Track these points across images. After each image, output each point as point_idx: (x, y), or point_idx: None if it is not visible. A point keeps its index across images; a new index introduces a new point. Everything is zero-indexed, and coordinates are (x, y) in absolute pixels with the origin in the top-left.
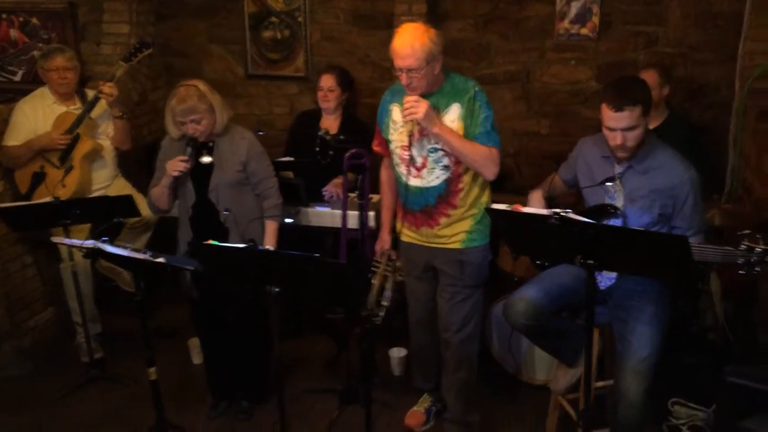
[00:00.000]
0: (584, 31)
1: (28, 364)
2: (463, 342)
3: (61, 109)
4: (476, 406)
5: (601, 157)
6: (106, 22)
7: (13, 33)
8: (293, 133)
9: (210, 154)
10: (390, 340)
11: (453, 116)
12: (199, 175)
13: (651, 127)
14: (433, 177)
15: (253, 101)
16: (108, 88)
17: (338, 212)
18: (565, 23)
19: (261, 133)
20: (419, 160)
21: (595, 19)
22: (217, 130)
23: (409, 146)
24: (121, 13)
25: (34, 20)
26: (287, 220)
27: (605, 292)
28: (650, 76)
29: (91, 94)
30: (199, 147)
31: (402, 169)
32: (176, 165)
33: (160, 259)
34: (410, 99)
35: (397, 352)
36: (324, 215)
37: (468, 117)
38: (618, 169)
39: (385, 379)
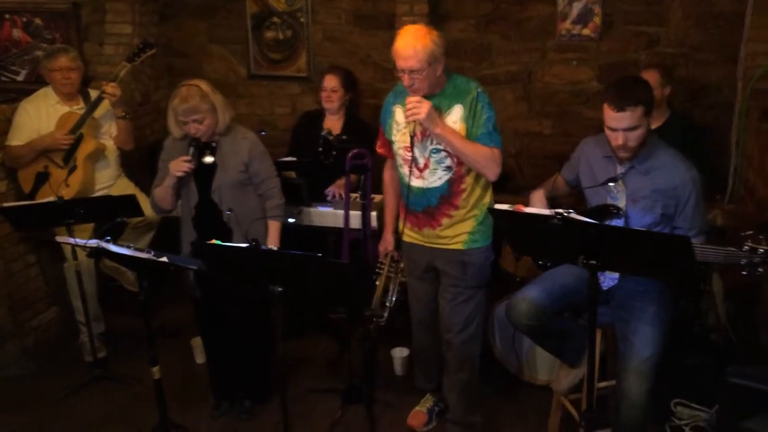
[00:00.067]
0: (586, 31)
1: (31, 363)
2: (465, 343)
3: (65, 109)
4: (478, 406)
5: (603, 157)
6: (109, 22)
7: (17, 33)
8: (296, 133)
9: (212, 154)
10: (392, 340)
11: (455, 117)
12: (202, 175)
13: (652, 127)
14: (435, 178)
15: (255, 101)
16: (111, 88)
17: (340, 212)
18: (567, 23)
19: (263, 133)
20: (421, 161)
21: (597, 20)
22: (219, 129)
23: (412, 147)
24: (124, 13)
25: (38, 20)
26: (290, 220)
27: (607, 292)
28: (651, 76)
29: (94, 94)
30: (202, 147)
31: (404, 170)
32: (180, 166)
33: (164, 259)
34: (412, 100)
35: (400, 353)
36: (326, 215)
37: (470, 118)
38: (620, 169)
39: (388, 379)
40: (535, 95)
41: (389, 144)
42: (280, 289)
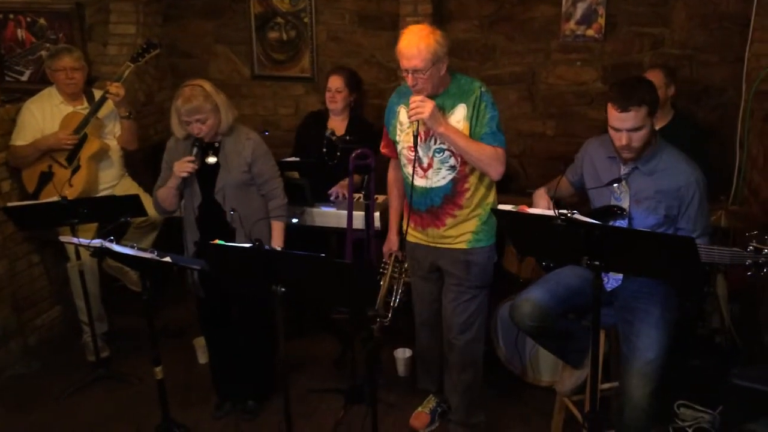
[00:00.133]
0: (590, 32)
1: (34, 362)
2: (468, 343)
3: (68, 109)
4: (481, 407)
5: (606, 157)
6: (113, 22)
7: (21, 33)
8: (300, 133)
9: (216, 154)
10: (395, 340)
11: (459, 117)
12: (205, 175)
13: (656, 127)
14: (439, 177)
15: (258, 102)
16: (115, 88)
17: (344, 213)
18: (571, 24)
19: (266, 133)
20: (425, 161)
21: (601, 20)
22: (221, 130)
23: (415, 147)
24: (128, 13)
25: (42, 20)
26: (293, 221)
27: (611, 293)
28: (656, 76)
29: (98, 94)
30: (205, 148)
31: (408, 170)
32: (184, 166)
33: (167, 259)
34: (416, 99)
35: (402, 353)
36: (329, 216)
37: (474, 117)
38: (624, 169)
39: (390, 379)
40: (539, 96)
41: (393, 144)
42: (282, 289)
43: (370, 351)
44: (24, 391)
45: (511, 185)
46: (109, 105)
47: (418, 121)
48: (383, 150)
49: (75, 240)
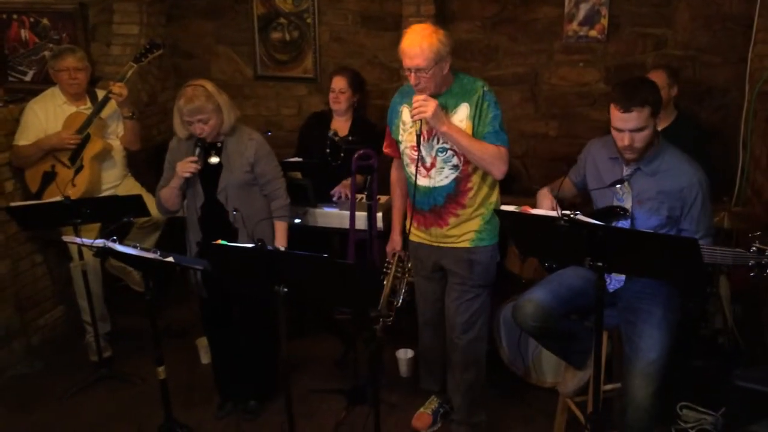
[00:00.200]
0: (593, 33)
1: (37, 362)
2: (471, 343)
3: (72, 109)
4: (483, 407)
5: (609, 158)
6: (117, 22)
7: (24, 33)
8: (303, 134)
9: (218, 154)
10: (397, 341)
11: (462, 116)
12: (208, 175)
13: (659, 128)
14: (442, 177)
15: (261, 102)
16: (118, 88)
17: (346, 213)
18: (574, 25)
19: (269, 134)
20: (428, 160)
21: (604, 21)
22: (224, 130)
23: (418, 146)
24: (132, 14)
25: (45, 21)
26: (296, 221)
27: (614, 294)
28: (658, 77)
29: (101, 94)
30: (208, 148)
31: (411, 169)
32: (187, 167)
33: (170, 259)
34: (419, 98)
35: (405, 354)
36: (332, 216)
37: (476, 116)
38: (626, 170)
39: (392, 380)
40: (542, 97)
41: (396, 144)
42: (285, 289)
43: (372, 351)
44: (27, 390)
45: (514, 186)
46: (112, 105)
47: (421, 120)
48: (386, 150)
49: (78, 240)
